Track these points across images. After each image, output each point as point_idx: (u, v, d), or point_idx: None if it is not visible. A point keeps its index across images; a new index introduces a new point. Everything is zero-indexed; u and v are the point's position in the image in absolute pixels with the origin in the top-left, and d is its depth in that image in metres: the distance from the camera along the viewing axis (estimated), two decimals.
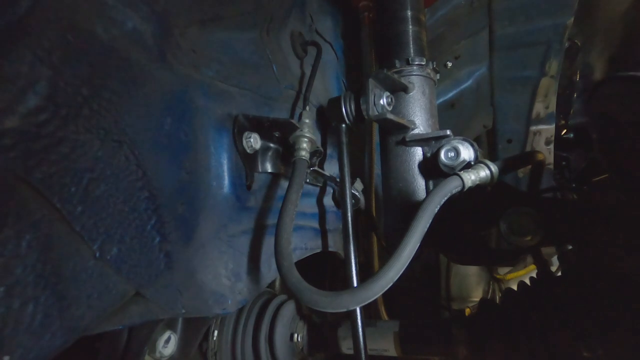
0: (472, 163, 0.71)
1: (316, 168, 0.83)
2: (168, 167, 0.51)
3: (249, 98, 0.69)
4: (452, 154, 0.72)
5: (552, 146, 1.48)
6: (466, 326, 0.80)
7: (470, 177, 0.62)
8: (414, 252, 0.50)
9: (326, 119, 0.92)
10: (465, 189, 0.60)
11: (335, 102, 0.83)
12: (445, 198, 0.56)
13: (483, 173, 0.65)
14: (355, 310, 0.78)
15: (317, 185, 0.91)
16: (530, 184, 0.76)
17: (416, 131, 0.80)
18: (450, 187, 0.58)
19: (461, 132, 1.49)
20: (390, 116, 0.75)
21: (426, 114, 0.82)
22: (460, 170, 0.68)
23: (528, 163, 0.78)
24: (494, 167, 0.65)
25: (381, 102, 0.76)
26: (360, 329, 0.79)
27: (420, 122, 0.81)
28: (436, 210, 0.54)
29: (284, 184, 0.76)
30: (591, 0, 1.28)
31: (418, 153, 0.81)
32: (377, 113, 0.74)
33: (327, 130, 0.94)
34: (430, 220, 0.52)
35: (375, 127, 1.11)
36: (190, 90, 0.56)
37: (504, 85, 1.37)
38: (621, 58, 1.45)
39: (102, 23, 0.43)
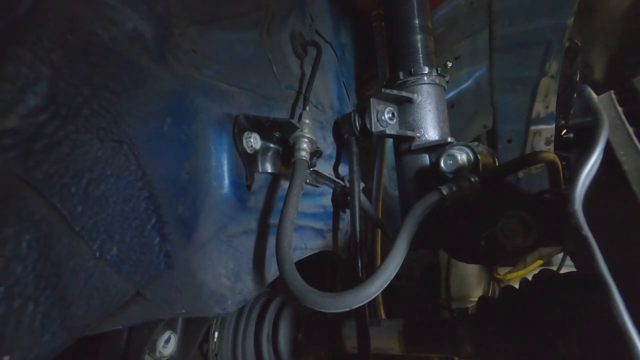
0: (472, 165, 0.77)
1: (316, 169, 0.83)
2: (168, 167, 0.51)
3: (249, 98, 0.69)
4: (450, 162, 0.79)
5: (552, 146, 1.48)
6: (470, 324, 0.80)
7: (452, 189, 0.70)
8: (406, 252, 0.59)
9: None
10: (446, 201, 0.69)
11: (346, 118, 0.93)
12: (428, 210, 0.66)
13: (464, 184, 0.71)
14: (360, 309, 0.79)
15: (316, 186, 0.91)
16: (551, 184, 0.77)
17: (423, 139, 0.84)
18: (431, 201, 0.68)
19: (461, 132, 1.50)
20: (390, 131, 0.83)
21: (433, 120, 0.85)
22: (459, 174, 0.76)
23: (533, 163, 0.78)
24: (474, 179, 0.72)
25: (383, 117, 0.83)
26: (365, 328, 0.80)
27: (426, 129, 0.85)
28: (421, 218, 0.64)
29: (284, 184, 0.76)
30: (591, 0, 1.28)
31: (425, 159, 0.86)
32: (380, 129, 0.82)
33: (342, 139, 0.99)
34: (416, 227, 0.63)
35: None
36: (190, 91, 0.56)
37: (504, 85, 1.37)
38: (621, 58, 1.45)
39: (102, 23, 0.43)
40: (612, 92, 0.62)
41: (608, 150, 0.54)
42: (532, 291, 0.75)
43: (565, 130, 1.59)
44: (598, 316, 0.56)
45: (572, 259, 0.75)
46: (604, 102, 0.61)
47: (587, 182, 0.49)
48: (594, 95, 0.63)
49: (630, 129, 0.56)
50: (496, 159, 0.87)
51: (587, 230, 0.44)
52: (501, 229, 0.71)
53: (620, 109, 0.58)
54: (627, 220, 0.54)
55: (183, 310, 0.52)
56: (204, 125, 0.59)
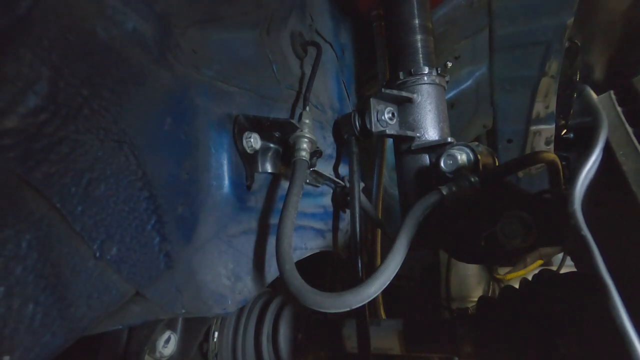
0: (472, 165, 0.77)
1: (316, 169, 0.83)
2: (168, 167, 0.51)
3: (249, 98, 0.69)
4: (450, 162, 0.79)
5: (552, 146, 1.48)
6: (470, 324, 0.80)
7: (452, 189, 0.70)
8: (406, 252, 0.59)
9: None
10: (446, 201, 0.69)
11: (346, 118, 0.92)
12: (428, 210, 0.66)
13: (464, 184, 0.71)
14: (360, 309, 0.79)
15: (316, 186, 0.91)
16: (551, 184, 0.77)
17: (423, 139, 0.84)
18: (431, 201, 0.67)
19: (461, 133, 1.50)
20: (390, 131, 0.83)
21: (433, 120, 0.85)
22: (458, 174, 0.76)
23: (533, 163, 0.78)
24: (474, 179, 0.72)
25: (383, 117, 0.83)
26: (365, 328, 0.80)
27: (426, 129, 0.85)
28: (421, 218, 0.64)
29: (284, 184, 0.76)
30: (591, 0, 1.28)
31: (425, 159, 0.86)
32: (380, 129, 0.82)
33: (342, 140, 0.99)
34: (416, 228, 0.62)
35: None
36: (190, 90, 0.56)
37: (504, 85, 1.37)
38: (621, 58, 1.45)
39: (102, 23, 0.43)
40: (612, 92, 0.62)
41: (608, 151, 0.54)
42: (532, 291, 0.75)
43: (565, 130, 1.59)
44: (598, 316, 0.57)
45: (572, 259, 0.75)
46: (604, 102, 0.61)
47: (587, 182, 0.49)
48: (593, 95, 0.63)
49: (630, 129, 0.56)
50: (496, 159, 0.87)
51: (586, 230, 0.44)
52: (501, 229, 0.71)
53: (620, 109, 0.58)
54: (627, 220, 0.54)
55: (183, 310, 0.52)
56: (203, 125, 0.59)
